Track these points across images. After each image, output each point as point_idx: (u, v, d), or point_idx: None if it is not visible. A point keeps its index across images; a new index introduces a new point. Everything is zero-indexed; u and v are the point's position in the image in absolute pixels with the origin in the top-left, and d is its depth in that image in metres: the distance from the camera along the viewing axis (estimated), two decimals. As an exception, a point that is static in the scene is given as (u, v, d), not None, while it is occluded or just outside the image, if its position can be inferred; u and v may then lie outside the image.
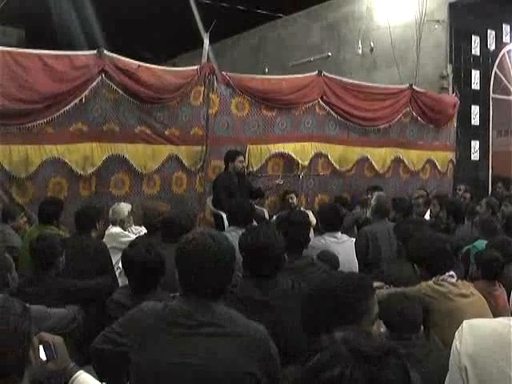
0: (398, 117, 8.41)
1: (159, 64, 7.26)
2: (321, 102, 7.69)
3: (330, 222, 4.64)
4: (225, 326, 2.05)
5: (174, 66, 8.23)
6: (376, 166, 8.31)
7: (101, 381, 2.33)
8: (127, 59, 6.23)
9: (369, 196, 6.79)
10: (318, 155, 7.80)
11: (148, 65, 6.44)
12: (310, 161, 7.70)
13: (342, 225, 4.77)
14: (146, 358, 2.06)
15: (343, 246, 4.48)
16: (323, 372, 1.20)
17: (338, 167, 7.95)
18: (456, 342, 1.70)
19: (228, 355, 2.01)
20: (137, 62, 6.28)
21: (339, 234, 4.60)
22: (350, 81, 8.21)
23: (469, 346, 1.66)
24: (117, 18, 10.34)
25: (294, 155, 7.50)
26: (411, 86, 8.52)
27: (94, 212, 4.90)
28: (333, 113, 7.80)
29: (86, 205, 5.49)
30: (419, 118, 8.67)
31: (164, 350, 2.04)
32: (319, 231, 6.03)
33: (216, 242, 2.13)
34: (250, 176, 6.92)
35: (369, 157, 8.25)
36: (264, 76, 8.68)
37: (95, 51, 6.00)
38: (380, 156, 8.39)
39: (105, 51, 6.01)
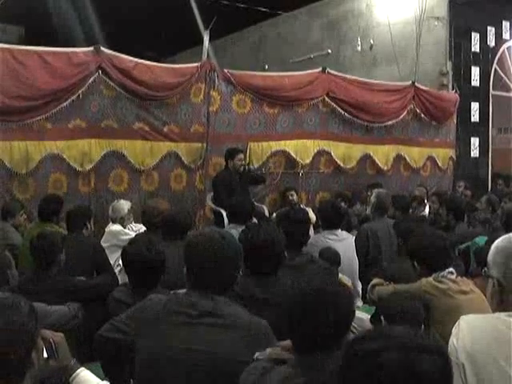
0: (403, 114, 8.41)
1: (159, 61, 7.25)
2: (326, 99, 7.66)
3: (330, 219, 4.63)
4: (226, 318, 2.10)
5: (173, 63, 8.20)
6: (379, 164, 8.29)
7: (104, 371, 2.35)
8: (124, 56, 6.22)
9: (369, 193, 6.78)
10: (321, 153, 7.79)
11: (146, 62, 6.43)
12: (312, 158, 7.69)
13: (342, 222, 4.76)
14: (148, 344, 2.13)
15: (343, 244, 4.47)
16: (363, 345, 1.25)
17: (342, 165, 7.94)
18: (453, 339, 1.69)
19: (229, 346, 2.05)
20: (134, 59, 6.27)
21: (339, 232, 4.59)
22: (356, 77, 8.21)
23: (466, 342, 1.65)
24: (116, 15, 10.32)
25: (294, 154, 7.48)
26: (413, 83, 8.51)
27: (84, 212, 4.89)
28: (339, 109, 7.78)
29: (77, 205, 5.48)
30: (422, 115, 8.66)
31: (166, 337, 2.10)
32: (319, 228, 6.05)
33: (223, 239, 2.21)
34: (249, 172, 6.89)
35: (371, 154, 8.24)
36: (266, 73, 8.67)
37: (92, 48, 6.00)
38: (383, 153, 8.38)
39: (102, 48, 6.01)
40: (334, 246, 4.29)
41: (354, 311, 1.91)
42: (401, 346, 1.24)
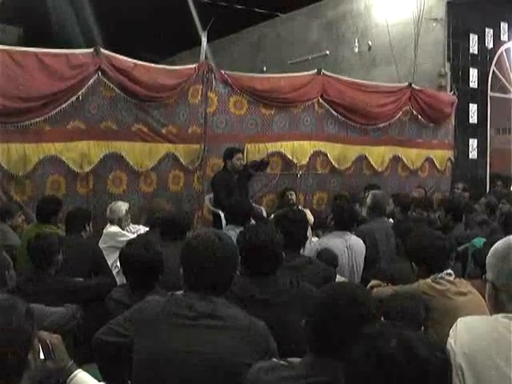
0: (398, 115, 8.41)
1: (158, 62, 7.25)
2: (320, 100, 7.66)
3: (345, 222, 4.68)
4: (225, 320, 2.11)
5: (172, 64, 8.21)
6: (374, 165, 8.29)
7: (102, 374, 2.35)
8: (124, 57, 6.22)
9: (366, 194, 6.78)
10: (317, 154, 7.79)
11: (145, 63, 6.43)
12: (309, 159, 7.69)
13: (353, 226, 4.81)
14: (148, 344, 2.12)
15: (352, 245, 4.53)
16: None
17: (336, 166, 7.94)
18: (450, 341, 1.69)
19: (228, 347, 2.06)
20: (133, 61, 6.27)
21: (349, 234, 4.62)
22: (351, 79, 8.21)
23: (464, 344, 1.65)
24: (115, 16, 10.33)
25: (290, 155, 7.49)
26: (410, 84, 8.52)
27: (84, 214, 4.91)
28: (332, 111, 7.79)
29: (77, 207, 5.49)
30: (419, 117, 8.66)
31: (166, 338, 2.10)
32: (316, 230, 6.05)
33: (220, 240, 2.22)
34: (247, 169, 6.84)
35: (367, 155, 8.24)
36: (263, 75, 8.68)
37: (92, 49, 6.00)
38: (379, 154, 8.37)
39: (101, 49, 6.01)
40: (341, 248, 4.36)
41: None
42: (401, 333, 1.27)
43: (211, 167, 6.93)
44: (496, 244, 1.84)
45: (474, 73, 9.82)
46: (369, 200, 5.41)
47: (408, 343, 1.27)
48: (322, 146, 7.80)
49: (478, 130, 10.00)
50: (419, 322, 2.65)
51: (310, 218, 5.82)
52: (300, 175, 7.64)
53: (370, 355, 1.27)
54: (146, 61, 6.52)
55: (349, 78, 8.21)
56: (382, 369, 1.25)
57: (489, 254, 1.84)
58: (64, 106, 5.83)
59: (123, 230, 5.29)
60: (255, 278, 2.71)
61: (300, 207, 6.91)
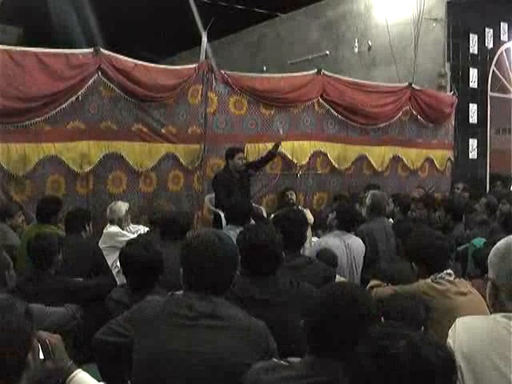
0: (398, 115, 8.41)
1: (158, 62, 7.25)
2: (320, 101, 7.67)
3: (347, 222, 4.70)
4: (225, 320, 2.11)
5: (172, 64, 8.20)
6: (374, 165, 8.30)
7: (101, 374, 2.34)
8: (124, 57, 6.23)
9: (366, 194, 6.78)
10: (317, 154, 7.79)
11: (145, 63, 6.43)
12: (309, 159, 7.69)
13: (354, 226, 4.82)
14: (148, 344, 2.12)
15: (351, 244, 4.54)
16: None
17: (336, 166, 7.94)
18: (449, 340, 1.69)
19: (228, 347, 2.06)
20: (133, 61, 6.28)
21: (348, 234, 4.63)
22: (351, 79, 8.21)
23: (463, 344, 1.65)
24: (115, 16, 10.33)
25: (290, 155, 7.49)
26: (410, 84, 8.52)
27: (84, 214, 4.90)
28: (332, 111, 7.79)
29: (77, 207, 5.49)
30: (419, 117, 8.67)
31: (166, 338, 2.10)
32: (316, 230, 6.06)
33: (220, 240, 2.22)
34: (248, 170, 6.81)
35: (367, 155, 8.24)
36: (263, 75, 8.68)
37: (92, 49, 6.00)
38: (379, 154, 8.38)
39: (101, 49, 6.01)
40: (341, 248, 4.36)
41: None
42: (410, 335, 1.28)
43: (211, 167, 6.93)
44: (498, 243, 1.85)
45: (473, 73, 9.83)
46: (368, 200, 5.42)
47: (417, 344, 1.28)
48: (321, 146, 7.81)
49: (478, 130, 10.01)
50: (419, 322, 2.65)
51: (310, 217, 5.82)
52: (300, 175, 7.64)
53: (378, 356, 1.27)
54: (146, 61, 6.52)
55: (349, 78, 8.21)
56: (388, 369, 1.25)
57: (491, 253, 1.84)
58: (64, 105, 5.84)
59: (123, 230, 5.29)
60: (255, 278, 2.71)
61: (300, 207, 6.90)
